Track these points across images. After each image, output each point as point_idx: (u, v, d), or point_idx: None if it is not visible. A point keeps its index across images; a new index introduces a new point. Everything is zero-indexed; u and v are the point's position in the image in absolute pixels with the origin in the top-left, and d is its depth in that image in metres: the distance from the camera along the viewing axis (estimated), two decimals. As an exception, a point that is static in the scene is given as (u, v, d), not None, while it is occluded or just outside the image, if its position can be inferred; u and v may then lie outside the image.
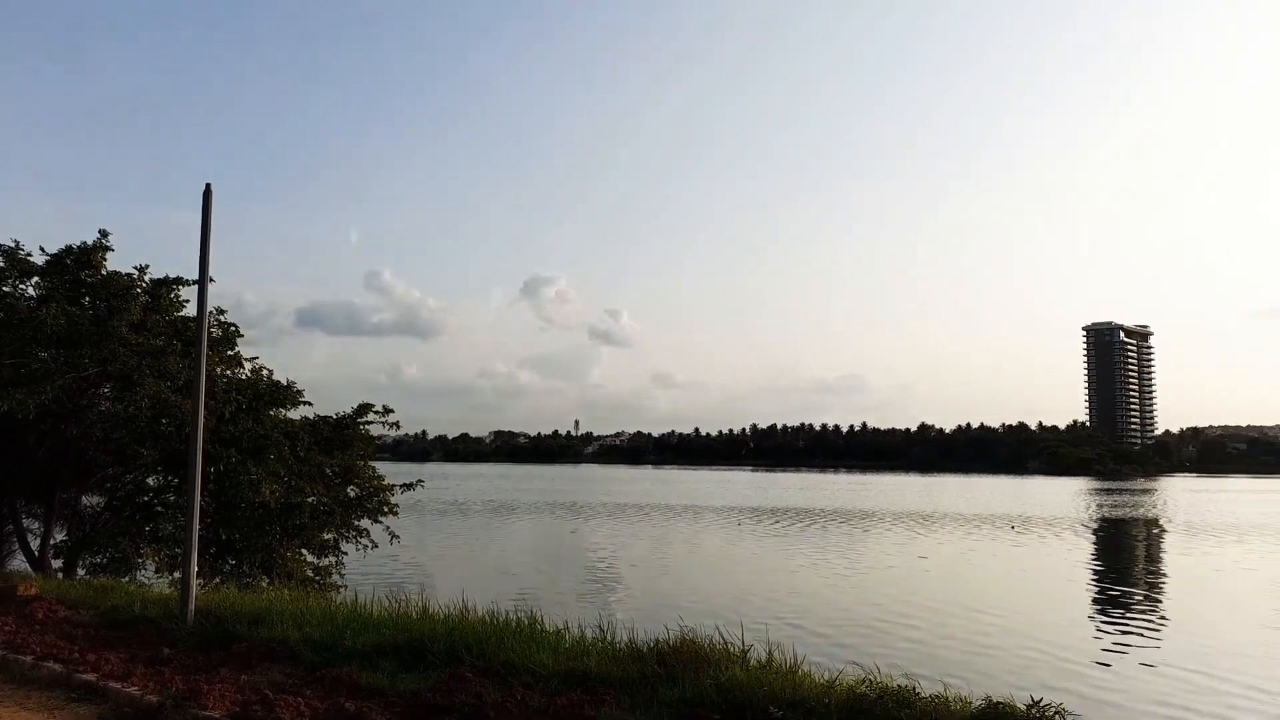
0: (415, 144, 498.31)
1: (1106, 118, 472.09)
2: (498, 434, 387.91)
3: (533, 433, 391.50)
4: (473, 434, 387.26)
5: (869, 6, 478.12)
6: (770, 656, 9.47)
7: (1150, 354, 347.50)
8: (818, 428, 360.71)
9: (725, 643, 9.69)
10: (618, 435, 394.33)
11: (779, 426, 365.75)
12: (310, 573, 18.45)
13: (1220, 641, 19.96)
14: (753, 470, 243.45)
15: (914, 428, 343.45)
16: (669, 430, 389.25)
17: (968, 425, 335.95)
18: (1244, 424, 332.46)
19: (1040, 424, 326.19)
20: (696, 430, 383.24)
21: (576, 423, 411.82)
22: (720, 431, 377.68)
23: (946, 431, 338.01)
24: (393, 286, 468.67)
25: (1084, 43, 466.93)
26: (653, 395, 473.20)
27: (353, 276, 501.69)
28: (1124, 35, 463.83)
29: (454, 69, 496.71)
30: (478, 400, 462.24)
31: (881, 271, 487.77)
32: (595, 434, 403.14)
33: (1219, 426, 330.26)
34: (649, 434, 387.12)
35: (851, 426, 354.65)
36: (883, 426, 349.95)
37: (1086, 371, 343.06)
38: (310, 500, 18.02)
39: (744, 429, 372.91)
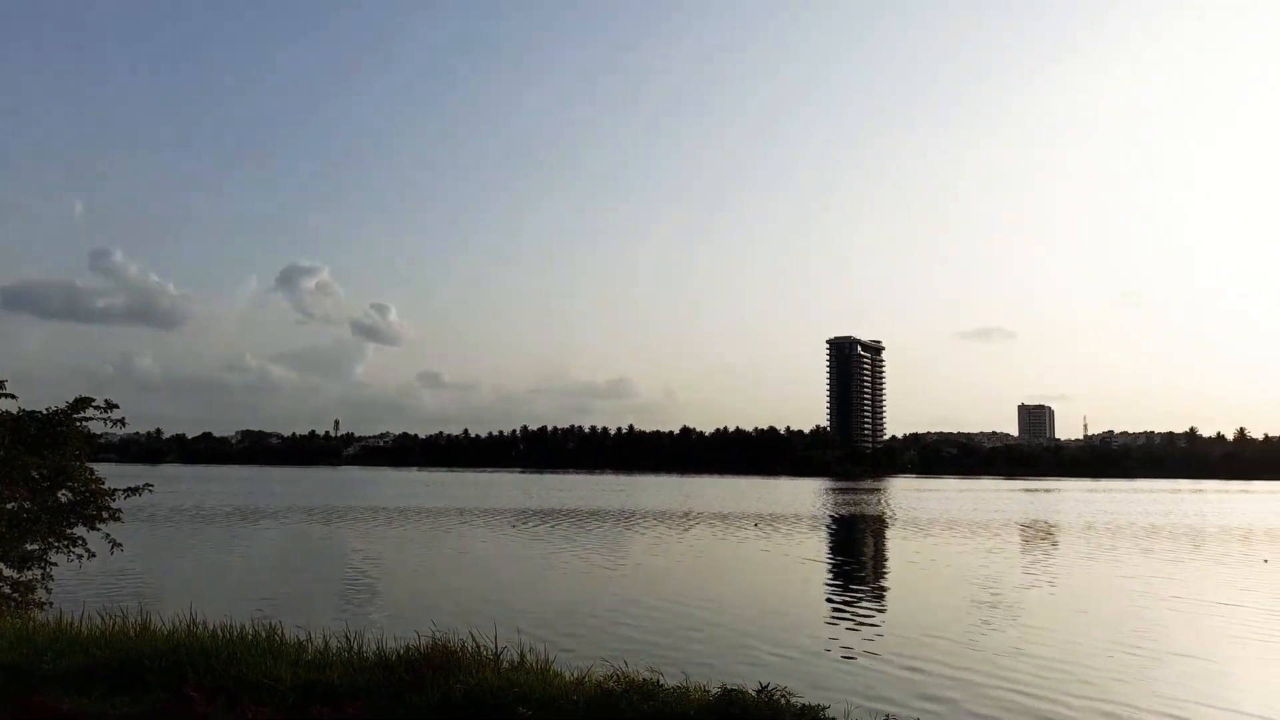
0: (155, 113, 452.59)
1: (844, 153, 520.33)
2: (246, 434, 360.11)
3: (287, 433, 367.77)
4: (217, 433, 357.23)
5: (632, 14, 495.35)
6: (523, 657, 9.54)
7: (882, 367, 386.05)
8: (586, 430, 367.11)
9: (479, 646, 9.64)
10: (382, 436, 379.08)
11: (549, 429, 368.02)
12: (8, 589, 16.19)
13: (932, 631, 22.47)
14: (521, 473, 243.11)
15: (676, 430, 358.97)
16: (437, 431, 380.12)
17: (725, 429, 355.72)
18: (955, 431, 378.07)
19: (788, 428, 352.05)
20: (465, 432, 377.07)
21: (336, 423, 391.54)
22: (490, 433, 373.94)
23: (706, 435, 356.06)
24: (124, 268, 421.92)
25: (816, 80, 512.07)
26: (420, 395, 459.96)
27: (75, 254, 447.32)
28: (845, 74, 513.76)
29: (217, 38, 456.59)
30: (225, 397, 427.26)
31: (649, 280, 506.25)
32: (357, 435, 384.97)
33: (935, 433, 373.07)
34: (415, 435, 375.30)
35: (619, 429, 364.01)
36: (647, 429, 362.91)
37: (829, 381, 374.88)
38: (10, 506, 15.82)
39: (514, 431, 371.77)
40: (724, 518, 63.89)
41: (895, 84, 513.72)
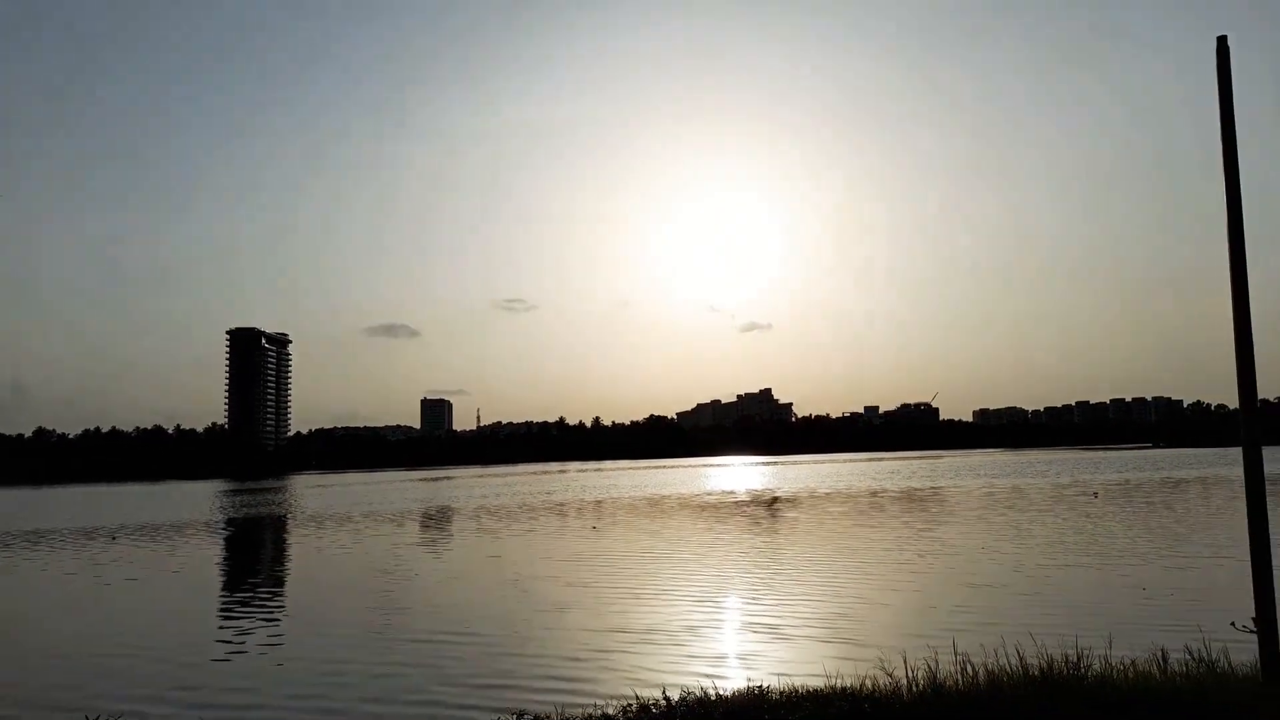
0: None
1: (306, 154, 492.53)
2: None
3: None
4: None
5: None
6: None
7: (289, 360, 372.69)
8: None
9: None
10: None
11: None
12: None
13: (333, 628, 22.58)
14: None
15: (29, 434, 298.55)
16: None
17: (97, 430, 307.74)
18: (361, 425, 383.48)
19: (178, 427, 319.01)
20: None
21: None
22: None
23: (70, 437, 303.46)
24: None
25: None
26: None
27: None
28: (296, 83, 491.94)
29: None
30: None
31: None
32: None
33: (342, 428, 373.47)
34: None
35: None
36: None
37: (229, 374, 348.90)
38: None
39: None
40: (88, 535, 55.24)
41: (344, 92, 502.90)
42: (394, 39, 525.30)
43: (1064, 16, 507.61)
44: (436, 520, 59.46)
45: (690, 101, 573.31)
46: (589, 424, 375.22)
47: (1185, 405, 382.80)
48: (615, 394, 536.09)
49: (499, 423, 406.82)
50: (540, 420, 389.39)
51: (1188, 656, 11.79)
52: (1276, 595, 9.25)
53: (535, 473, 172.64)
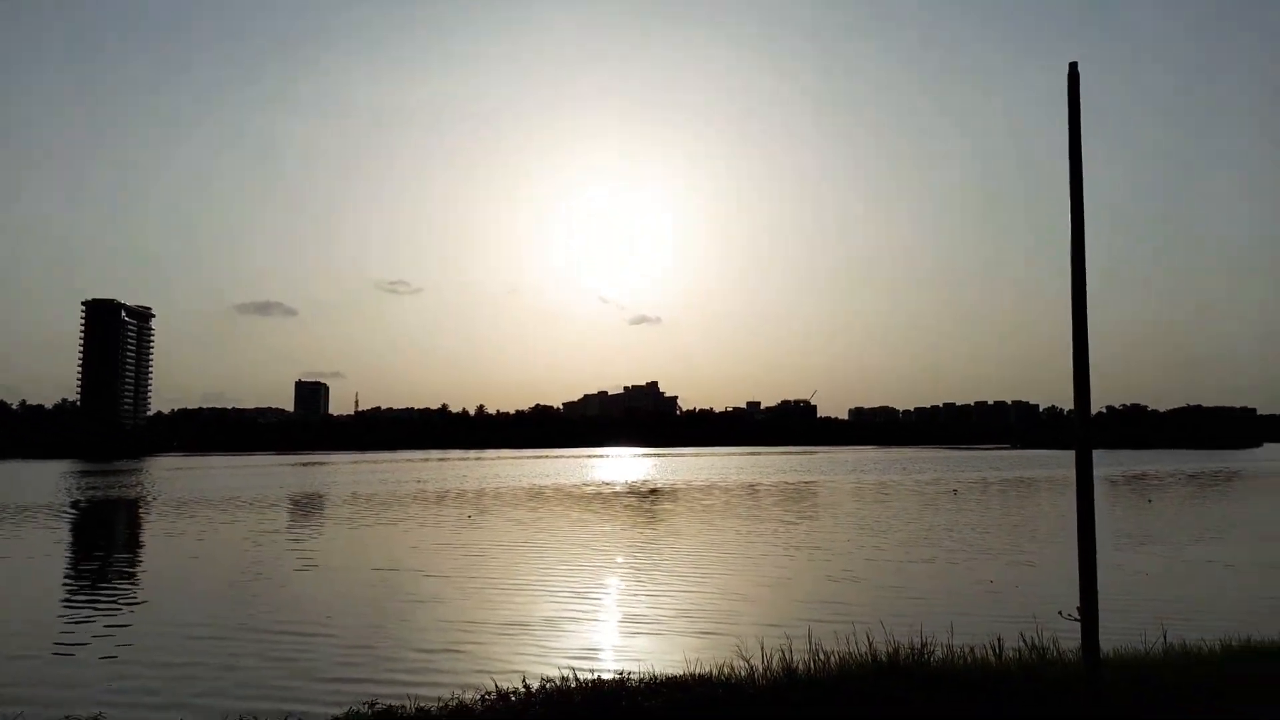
0: None
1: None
2: None
3: None
4: None
5: None
6: None
7: (150, 336, 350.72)
8: None
9: None
10: None
11: None
12: None
13: (184, 621, 21.39)
14: None
15: None
16: None
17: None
18: (230, 406, 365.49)
19: (24, 403, 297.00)
20: None
21: None
22: None
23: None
24: None
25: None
26: None
27: None
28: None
29: None
30: None
31: None
32: None
33: (209, 409, 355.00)
34: None
35: None
36: None
37: (83, 348, 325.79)
38: None
39: None
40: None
41: (222, 58, 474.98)
42: (283, 5, 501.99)
43: (929, 42, 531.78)
44: (304, 508, 57.34)
45: (588, 92, 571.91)
46: (473, 412, 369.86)
47: (1041, 409, 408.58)
48: (501, 382, 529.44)
49: (378, 408, 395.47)
50: (422, 407, 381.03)
51: (1022, 643, 12.56)
52: (1099, 587, 9.99)
53: (414, 460, 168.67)
